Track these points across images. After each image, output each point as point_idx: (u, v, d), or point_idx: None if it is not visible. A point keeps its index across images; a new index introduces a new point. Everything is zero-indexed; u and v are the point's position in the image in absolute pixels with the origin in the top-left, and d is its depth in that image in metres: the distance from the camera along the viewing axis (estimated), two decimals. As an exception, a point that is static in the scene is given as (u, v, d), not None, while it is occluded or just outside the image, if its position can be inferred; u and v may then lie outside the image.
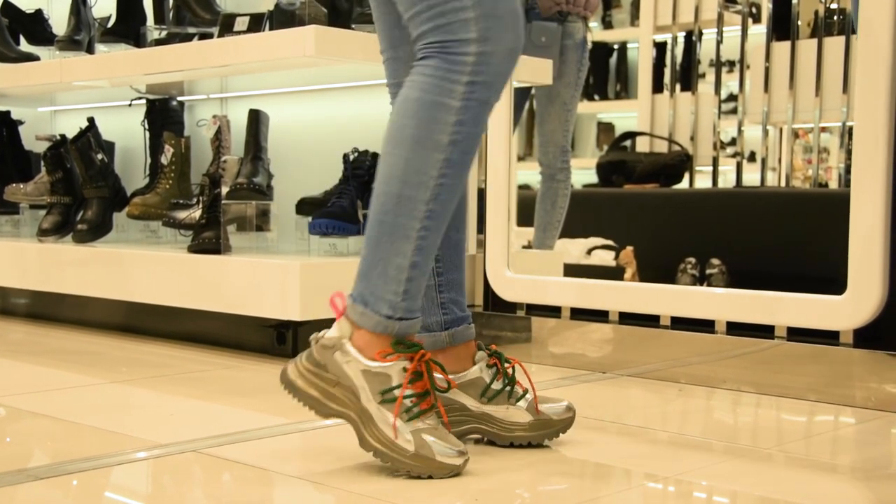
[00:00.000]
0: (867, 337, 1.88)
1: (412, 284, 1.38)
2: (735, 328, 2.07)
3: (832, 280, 1.88)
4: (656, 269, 2.92)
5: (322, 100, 2.79)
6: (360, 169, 2.45)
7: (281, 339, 2.37)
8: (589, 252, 3.06)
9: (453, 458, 1.36)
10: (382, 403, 1.37)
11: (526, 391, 1.55)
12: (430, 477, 1.35)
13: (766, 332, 2.02)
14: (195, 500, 1.35)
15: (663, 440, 1.64)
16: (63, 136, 2.98)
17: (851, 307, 1.81)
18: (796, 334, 1.98)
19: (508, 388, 1.54)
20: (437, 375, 1.43)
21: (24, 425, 1.74)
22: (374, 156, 2.50)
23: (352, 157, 2.47)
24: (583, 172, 4.11)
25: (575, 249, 3.00)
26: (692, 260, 2.96)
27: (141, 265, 2.56)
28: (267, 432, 1.65)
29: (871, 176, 1.79)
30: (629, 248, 3.01)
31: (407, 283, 1.37)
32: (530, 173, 3.08)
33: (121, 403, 1.91)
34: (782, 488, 1.37)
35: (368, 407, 1.37)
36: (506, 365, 1.55)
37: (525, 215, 2.77)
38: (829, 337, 1.92)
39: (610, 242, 3.02)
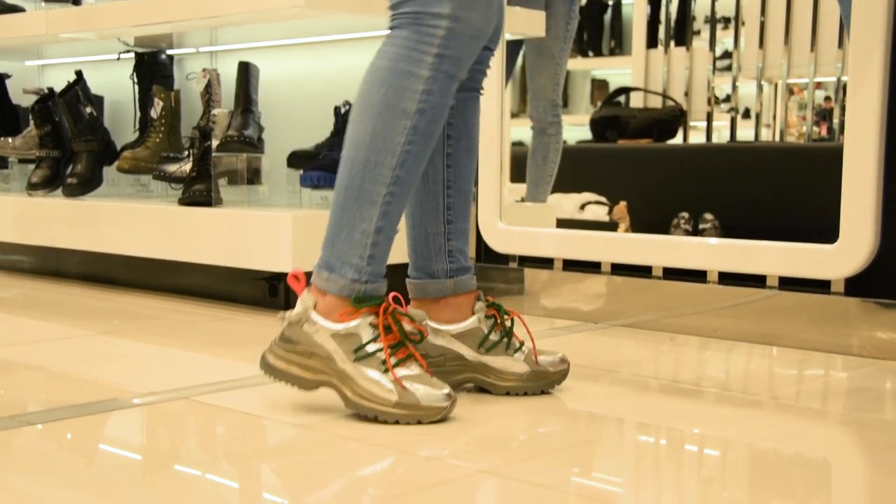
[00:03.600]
0: (858, 286, 1.88)
1: (377, 249, 1.40)
2: (727, 279, 2.07)
3: (824, 234, 1.87)
4: (650, 225, 2.92)
5: (312, 52, 2.76)
6: (351, 121, 2.43)
7: (272, 291, 2.36)
8: (582, 207, 3.06)
9: (439, 401, 1.36)
10: (357, 361, 1.37)
11: (522, 343, 1.55)
12: (418, 423, 1.35)
13: (758, 282, 2.02)
14: (189, 445, 1.35)
15: (655, 388, 1.65)
16: (51, 90, 2.95)
17: (843, 256, 1.81)
18: (788, 284, 1.98)
19: (506, 339, 1.54)
20: (407, 327, 1.43)
21: (15, 375, 1.74)
22: (366, 108, 2.48)
23: (343, 110, 2.45)
24: (577, 129, 4.10)
25: (568, 204, 2.99)
26: (685, 215, 2.96)
27: (132, 219, 2.54)
28: (258, 380, 1.65)
29: (865, 124, 1.78)
30: (622, 204, 3.00)
31: (372, 248, 1.39)
32: (524, 130, 3.06)
33: (112, 353, 1.91)
34: (772, 435, 1.38)
35: (344, 368, 1.38)
36: (504, 317, 1.56)
37: (519, 172, 2.76)
38: (821, 286, 1.93)
39: (602, 199, 3.02)
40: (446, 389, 1.37)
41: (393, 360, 1.37)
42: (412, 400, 1.35)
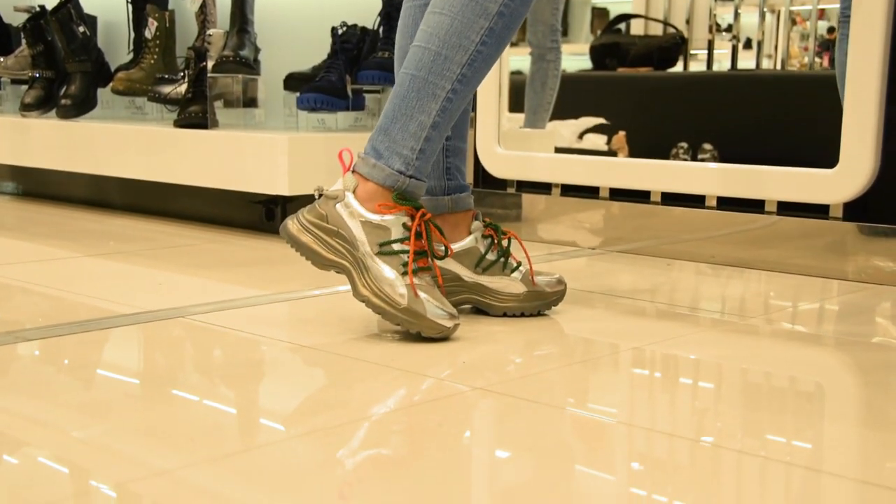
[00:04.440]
0: (856, 212, 1.87)
1: (429, 145, 1.39)
2: (725, 204, 2.06)
3: (825, 163, 1.86)
4: (648, 154, 2.90)
5: (310, -28, 2.71)
6: (348, 43, 2.40)
7: (269, 214, 2.35)
8: (580, 136, 3.04)
9: (444, 318, 1.36)
10: (379, 255, 1.37)
11: (519, 263, 1.55)
12: (418, 333, 1.36)
13: (756, 208, 2.01)
14: (186, 362, 1.36)
15: (651, 313, 1.65)
16: (43, 8, 2.90)
17: (843, 179, 1.80)
18: (787, 209, 1.98)
19: (503, 259, 1.54)
20: (436, 244, 1.43)
21: (11, 295, 1.74)
22: (364, 30, 2.44)
23: (340, 31, 2.41)
24: (576, 58, 4.05)
25: (566, 131, 2.97)
26: (684, 145, 2.94)
27: (127, 141, 2.52)
28: (256, 300, 1.66)
29: (868, 49, 1.76)
30: (621, 133, 2.98)
31: (424, 143, 1.38)
32: (522, 59, 3.02)
33: (108, 274, 1.91)
34: (765, 357, 1.39)
35: (364, 258, 1.37)
36: (501, 237, 1.55)
37: (517, 102, 2.73)
38: (820, 212, 1.92)
39: (601, 120, 2.99)
40: (453, 311, 1.38)
41: (413, 266, 1.37)
42: (419, 309, 1.35)
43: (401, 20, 1.58)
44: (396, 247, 1.37)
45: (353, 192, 1.39)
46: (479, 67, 1.39)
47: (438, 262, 1.49)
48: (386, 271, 1.36)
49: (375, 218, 1.37)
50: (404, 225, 1.38)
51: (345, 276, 1.40)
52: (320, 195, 1.41)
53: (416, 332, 1.36)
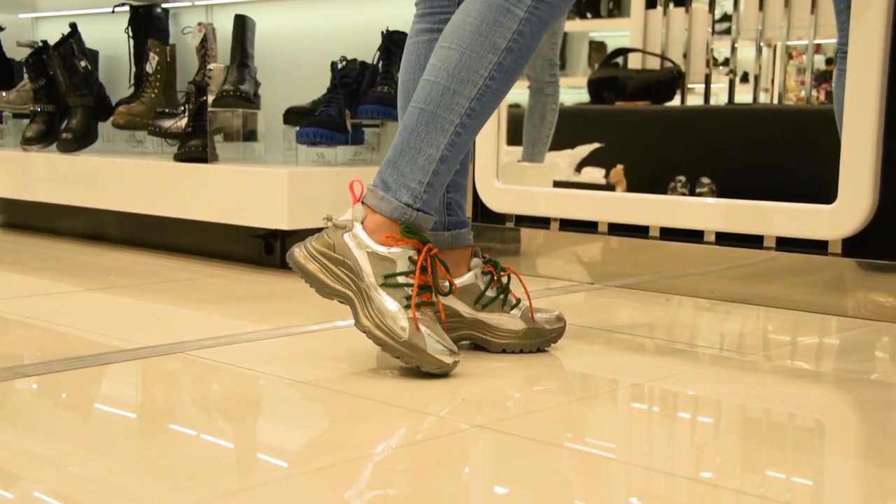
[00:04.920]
0: (855, 247, 1.88)
1: (437, 178, 1.40)
2: (724, 239, 2.07)
3: (823, 198, 1.87)
4: (646, 188, 2.91)
5: (310, 7, 2.73)
6: (347, 77, 2.41)
7: (268, 248, 2.36)
8: (578, 169, 3.05)
9: (444, 354, 1.36)
10: (383, 287, 1.37)
11: (519, 300, 1.55)
12: (418, 368, 1.36)
13: (755, 243, 2.02)
14: (185, 398, 1.35)
15: (650, 349, 1.65)
16: (45, 43, 2.92)
17: (842, 215, 1.81)
18: (785, 245, 1.98)
19: (502, 296, 1.54)
20: (441, 280, 1.43)
21: (10, 329, 1.74)
22: (363, 64, 2.46)
23: (340, 66, 2.43)
24: (574, 91, 4.07)
25: (562, 161, 2.97)
26: (682, 178, 2.94)
27: (127, 175, 2.53)
28: (255, 336, 1.65)
29: (866, 83, 1.77)
30: (619, 166, 2.99)
31: (432, 176, 1.40)
32: (521, 92, 3.04)
33: (107, 309, 1.91)
34: (765, 393, 1.39)
35: (369, 289, 1.38)
36: (501, 273, 1.55)
37: (516, 135, 2.74)
38: (819, 247, 1.93)
39: (597, 144, 3.00)
40: (453, 347, 1.38)
41: (417, 301, 1.37)
42: (420, 343, 1.35)
43: (405, 56, 1.60)
44: (401, 279, 1.37)
45: (362, 222, 1.40)
46: (487, 102, 1.41)
47: (441, 299, 1.49)
48: (389, 303, 1.36)
49: (382, 250, 1.38)
50: (410, 258, 1.38)
51: (346, 308, 1.40)
52: (330, 223, 1.42)
53: (416, 366, 1.36)
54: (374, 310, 1.37)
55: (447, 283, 1.45)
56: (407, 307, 1.36)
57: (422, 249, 1.39)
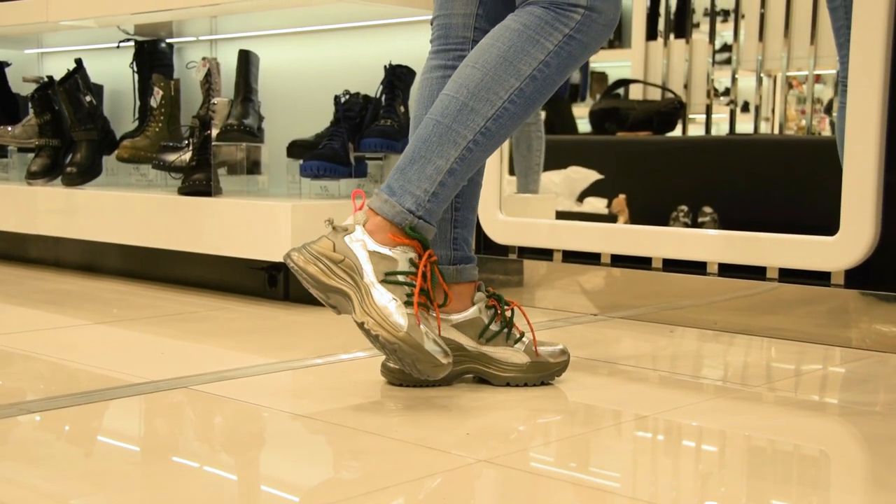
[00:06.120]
0: (858, 279, 1.88)
1: (442, 190, 1.41)
2: (727, 270, 2.07)
3: (825, 229, 1.87)
4: (649, 218, 2.91)
5: (313, 41, 2.76)
6: (351, 111, 2.43)
7: (272, 281, 2.36)
8: (581, 199, 3.06)
9: (440, 354, 1.37)
10: (383, 283, 1.37)
11: (523, 334, 1.55)
12: (414, 365, 1.35)
13: (758, 274, 2.02)
14: (189, 433, 1.35)
15: (654, 380, 1.65)
16: (50, 78, 2.94)
17: (844, 247, 1.81)
18: (788, 276, 1.98)
19: (506, 330, 1.54)
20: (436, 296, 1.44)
21: (13, 364, 1.74)
22: (366, 98, 2.48)
23: (343, 100, 2.45)
24: (577, 121, 4.09)
25: (557, 178, 2.98)
26: (684, 208, 2.95)
27: (131, 208, 2.54)
28: (258, 369, 1.65)
29: (866, 115, 1.78)
30: (622, 196, 3.00)
31: (439, 187, 1.40)
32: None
33: (110, 343, 1.91)
34: (770, 426, 1.38)
35: (369, 284, 1.38)
36: (504, 307, 1.55)
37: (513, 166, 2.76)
38: (821, 278, 1.93)
39: (596, 175, 3.01)
40: (448, 350, 1.39)
41: (416, 300, 1.37)
42: (418, 338, 1.35)
43: (418, 91, 1.60)
44: (402, 278, 1.38)
45: (363, 225, 1.41)
46: (504, 124, 1.41)
47: (442, 333, 1.49)
48: (388, 298, 1.37)
49: (383, 250, 1.39)
50: (411, 260, 1.39)
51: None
52: (330, 226, 1.43)
53: (410, 362, 1.35)
54: (373, 303, 1.36)
55: (444, 293, 1.46)
56: (408, 303, 1.37)
57: (423, 255, 1.40)
